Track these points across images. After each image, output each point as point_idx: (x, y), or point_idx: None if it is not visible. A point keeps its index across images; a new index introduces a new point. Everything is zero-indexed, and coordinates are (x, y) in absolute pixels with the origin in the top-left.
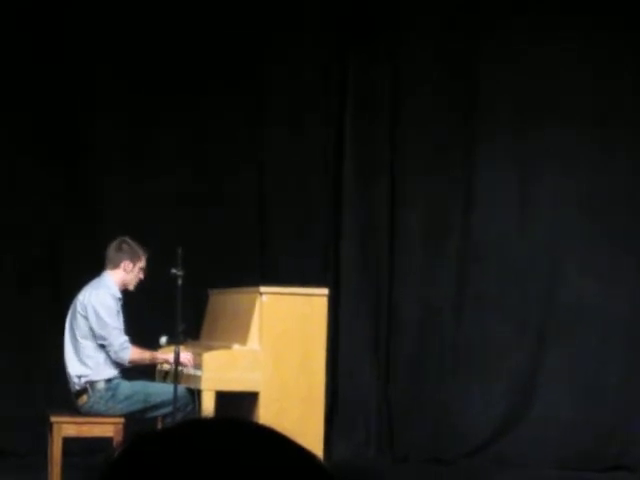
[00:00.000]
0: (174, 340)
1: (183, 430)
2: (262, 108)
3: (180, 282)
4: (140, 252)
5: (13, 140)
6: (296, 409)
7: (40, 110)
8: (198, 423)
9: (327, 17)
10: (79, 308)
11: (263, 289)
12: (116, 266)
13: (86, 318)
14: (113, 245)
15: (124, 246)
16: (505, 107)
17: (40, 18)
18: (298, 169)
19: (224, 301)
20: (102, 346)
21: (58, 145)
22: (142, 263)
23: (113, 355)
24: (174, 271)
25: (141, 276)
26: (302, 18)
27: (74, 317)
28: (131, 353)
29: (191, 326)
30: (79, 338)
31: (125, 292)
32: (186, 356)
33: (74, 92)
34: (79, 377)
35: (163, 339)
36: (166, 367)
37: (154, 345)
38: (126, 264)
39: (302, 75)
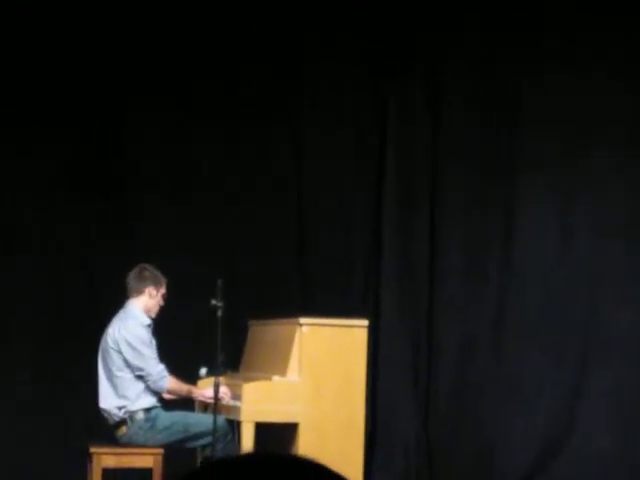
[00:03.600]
0: (214, 371)
1: (245, 463)
2: (300, 141)
3: (220, 313)
4: (162, 278)
5: (48, 172)
6: (336, 440)
7: (74, 138)
8: (258, 457)
9: (367, 48)
10: (110, 342)
11: (303, 320)
12: (140, 293)
13: (119, 352)
14: (133, 273)
15: (146, 273)
16: (545, 138)
17: (60, 53)
18: (338, 201)
19: (264, 332)
20: (139, 377)
21: (92, 177)
22: (164, 289)
23: (152, 384)
24: (214, 302)
25: (162, 303)
26: (340, 51)
27: (106, 351)
28: (169, 382)
29: (231, 357)
30: (115, 372)
31: (164, 323)
32: (224, 391)
33: (108, 115)
34: (119, 409)
35: (203, 370)
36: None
37: (194, 376)
38: (150, 290)
39: (341, 111)
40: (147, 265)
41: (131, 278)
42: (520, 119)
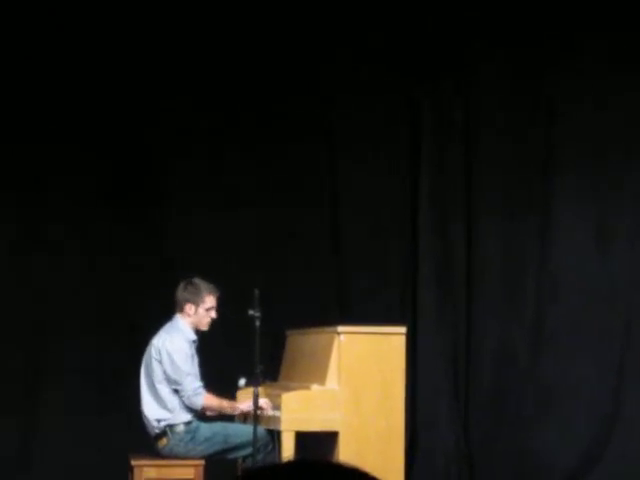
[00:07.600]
0: (253, 382)
1: (287, 470)
2: (335, 152)
3: (257, 323)
4: (204, 293)
5: (90, 190)
6: (376, 448)
7: (111, 153)
8: (300, 464)
9: (402, 56)
10: (153, 353)
11: (341, 329)
12: (181, 309)
13: (160, 362)
14: (179, 286)
15: (188, 287)
16: (581, 140)
17: (106, 68)
18: (374, 208)
19: (302, 341)
20: (176, 391)
21: (135, 187)
22: (207, 304)
23: (186, 400)
24: (251, 312)
25: (212, 315)
26: (375, 57)
27: (149, 362)
28: (205, 399)
29: (269, 367)
30: (155, 383)
31: (202, 334)
32: (265, 401)
33: (148, 136)
34: (158, 421)
35: (242, 381)
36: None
37: (233, 387)
38: (188, 307)
39: (376, 119)
40: (194, 279)
41: (177, 292)
42: (556, 120)
